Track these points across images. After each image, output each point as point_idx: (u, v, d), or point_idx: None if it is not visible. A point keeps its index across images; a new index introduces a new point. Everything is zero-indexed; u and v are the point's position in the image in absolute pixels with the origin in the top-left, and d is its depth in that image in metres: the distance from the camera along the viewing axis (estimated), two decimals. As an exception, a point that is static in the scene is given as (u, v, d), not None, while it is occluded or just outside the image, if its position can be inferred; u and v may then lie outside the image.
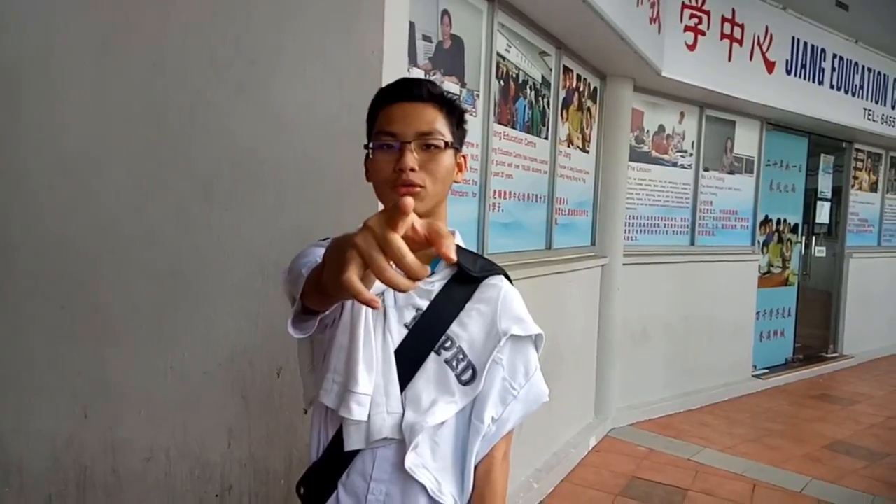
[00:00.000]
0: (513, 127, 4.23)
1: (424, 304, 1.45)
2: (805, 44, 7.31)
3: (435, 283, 1.46)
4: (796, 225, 8.64)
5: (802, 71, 7.33)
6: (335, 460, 1.43)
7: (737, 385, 7.44)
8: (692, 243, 7.00)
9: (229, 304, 2.53)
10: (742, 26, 6.51)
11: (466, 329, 1.44)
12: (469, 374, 1.42)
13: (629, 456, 5.34)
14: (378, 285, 1.36)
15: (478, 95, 3.80)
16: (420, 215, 1.37)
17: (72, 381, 2.68)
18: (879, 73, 8.60)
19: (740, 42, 6.51)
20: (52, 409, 2.70)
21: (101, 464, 2.67)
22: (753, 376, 7.84)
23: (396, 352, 1.41)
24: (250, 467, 2.56)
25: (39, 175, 2.69)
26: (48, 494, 2.71)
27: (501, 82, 4.05)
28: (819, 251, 9.17)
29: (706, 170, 7.07)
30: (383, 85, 1.52)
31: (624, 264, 5.97)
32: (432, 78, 3.28)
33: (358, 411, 1.35)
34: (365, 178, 1.50)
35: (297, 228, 2.47)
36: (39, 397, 2.71)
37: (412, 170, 1.39)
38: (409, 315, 1.44)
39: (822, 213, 9.15)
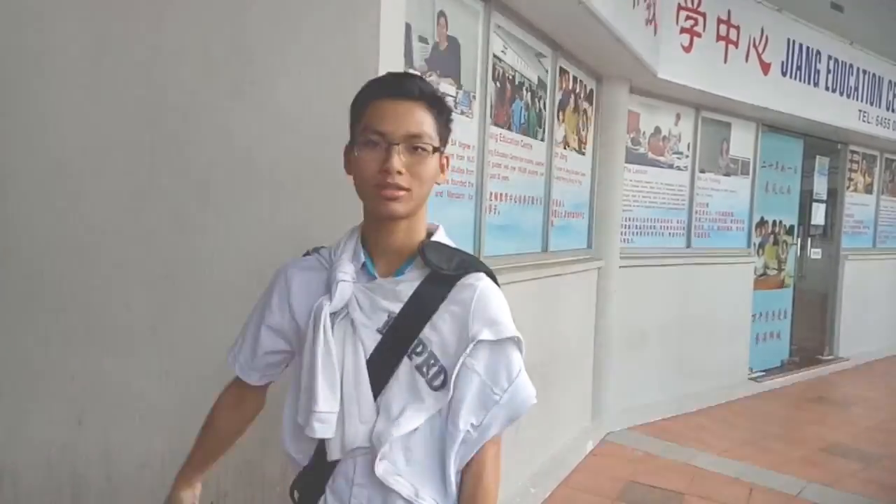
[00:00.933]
0: (509, 129, 4.22)
1: (396, 307, 1.42)
2: (800, 45, 7.32)
3: (401, 284, 1.44)
4: (792, 227, 8.65)
5: (798, 73, 7.34)
6: (323, 464, 1.45)
7: (733, 388, 7.44)
8: (688, 245, 7.00)
9: (225, 308, 2.51)
10: (738, 28, 6.51)
11: (439, 332, 1.41)
12: (441, 380, 1.40)
13: (626, 460, 5.32)
14: (341, 296, 1.42)
15: (474, 97, 3.78)
16: (402, 218, 1.43)
17: (66, 387, 2.65)
18: (874, 75, 8.62)
19: (736, 44, 6.51)
20: (46, 416, 2.67)
21: (96, 471, 2.64)
22: (749, 379, 7.83)
23: (370, 359, 1.41)
24: (245, 473, 2.53)
25: (32, 177, 2.66)
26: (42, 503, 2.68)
27: (497, 84, 4.04)
28: (815, 253, 9.18)
29: (702, 172, 7.07)
30: None
31: (620, 266, 5.96)
32: (428, 80, 3.26)
33: (321, 429, 1.38)
34: (344, 170, 1.48)
35: (293, 231, 2.44)
36: (34, 404, 2.68)
37: (399, 172, 1.37)
38: (381, 320, 1.42)
39: (818, 215, 9.16)
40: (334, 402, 1.38)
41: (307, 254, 1.60)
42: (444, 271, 1.43)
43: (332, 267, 1.47)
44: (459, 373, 1.39)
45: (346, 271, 1.44)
